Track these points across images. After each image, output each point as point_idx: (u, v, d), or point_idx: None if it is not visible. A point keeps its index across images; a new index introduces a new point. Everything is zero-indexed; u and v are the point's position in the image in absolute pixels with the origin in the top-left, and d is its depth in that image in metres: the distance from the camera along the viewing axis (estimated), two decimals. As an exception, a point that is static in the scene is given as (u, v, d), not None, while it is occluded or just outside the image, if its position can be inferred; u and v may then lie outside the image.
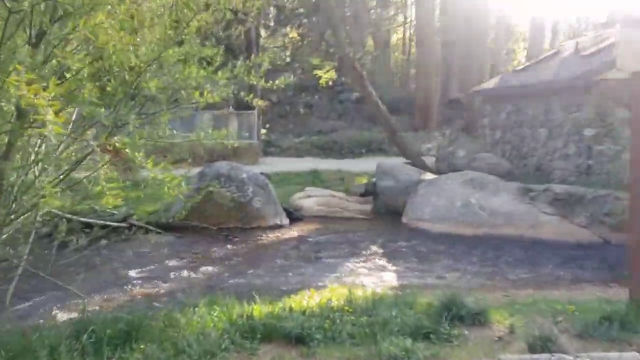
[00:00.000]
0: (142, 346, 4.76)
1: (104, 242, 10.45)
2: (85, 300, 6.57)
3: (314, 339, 4.85)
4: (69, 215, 12.08)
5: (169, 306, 6.87)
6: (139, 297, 7.71)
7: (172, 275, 8.58)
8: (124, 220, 11.54)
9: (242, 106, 20.92)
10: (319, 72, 24.97)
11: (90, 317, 5.41)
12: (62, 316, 6.58)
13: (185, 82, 4.45)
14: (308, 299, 7.22)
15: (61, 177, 5.31)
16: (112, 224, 11.63)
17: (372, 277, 8.76)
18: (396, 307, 6.20)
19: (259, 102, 4.91)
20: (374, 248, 10.65)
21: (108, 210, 11.88)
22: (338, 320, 5.42)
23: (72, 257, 7.14)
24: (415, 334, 5.21)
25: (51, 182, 5.38)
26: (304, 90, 29.51)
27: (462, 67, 26.20)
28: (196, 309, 5.63)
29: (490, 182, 12.88)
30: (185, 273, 8.71)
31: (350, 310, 5.89)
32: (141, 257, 9.51)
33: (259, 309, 5.78)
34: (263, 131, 23.40)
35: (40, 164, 5.59)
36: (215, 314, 5.54)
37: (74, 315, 6.49)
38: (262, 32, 27.33)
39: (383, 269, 9.23)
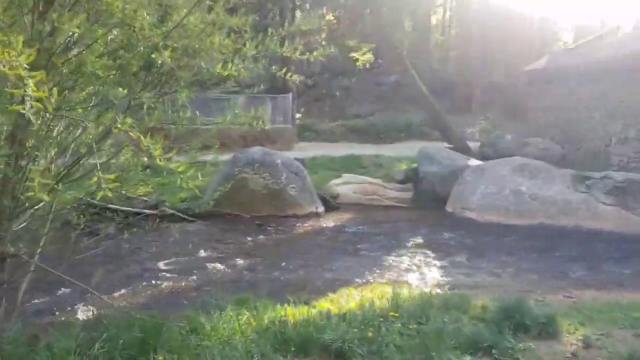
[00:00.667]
0: (160, 357, 4.17)
1: (133, 230, 9.99)
2: (103, 298, 6.03)
3: (356, 354, 4.17)
4: (96, 202, 11.65)
5: (196, 303, 6.33)
6: (166, 291, 7.17)
7: (201, 267, 8.02)
8: (154, 207, 11.09)
9: (277, 90, 20.31)
10: (355, 55, 24.07)
11: (106, 318, 4.84)
12: (79, 314, 6.07)
13: (207, 53, 3.78)
14: (347, 299, 6.55)
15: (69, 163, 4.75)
16: (142, 211, 11.20)
17: (417, 273, 8.02)
18: (447, 311, 5.48)
19: (293, 77, 4.21)
20: (417, 240, 9.89)
21: (139, 197, 11.31)
22: (383, 329, 4.74)
23: (97, 248, 6.64)
24: (474, 348, 4.49)
25: (64, 170, 4.85)
26: (340, 73, 28.66)
27: (505, 48, 24.94)
28: (223, 312, 5.01)
29: (543, 169, 11.93)
30: (215, 265, 8.14)
31: (396, 315, 5.18)
32: (171, 247, 8.99)
33: (293, 313, 5.13)
34: (298, 115, 22.76)
35: (54, 149, 5.05)
36: (243, 319, 4.91)
37: (93, 312, 5.99)
38: (297, 14, 26.57)
39: (428, 263, 8.48)
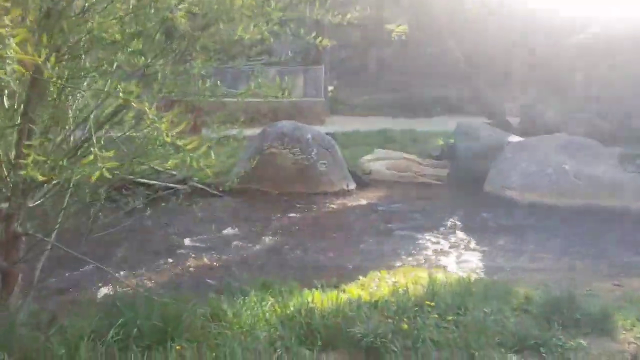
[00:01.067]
0: (178, 347, 3.88)
1: (160, 205, 9.79)
2: (121, 279, 5.79)
3: (389, 350, 3.79)
4: (123, 175, 11.44)
5: (220, 285, 6.06)
6: (190, 270, 6.93)
7: (227, 245, 7.75)
8: (183, 182, 10.84)
9: (310, 62, 19.77)
10: (391, 26, 23.27)
11: (124, 301, 4.57)
12: (98, 294, 5.84)
13: (228, 15, 3.37)
14: (379, 284, 6.17)
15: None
16: (169, 185, 10.99)
17: (453, 256, 7.59)
18: (487, 301, 5.05)
19: (324, 42, 3.77)
20: (453, 220, 9.42)
21: (167, 170, 10.98)
22: (419, 321, 4.35)
23: (121, 224, 6.40)
24: (519, 344, 4.07)
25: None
26: (375, 46, 27.85)
27: (549, 17, 23.73)
28: (246, 298, 4.70)
29: (588, 147, 11.24)
30: (241, 244, 7.86)
31: (432, 305, 4.78)
32: (197, 224, 8.73)
33: (320, 300, 4.77)
34: (330, 88, 22.21)
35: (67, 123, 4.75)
36: (267, 305, 4.59)
37: (111, 293, 5.76)
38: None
39: (465, 246, 8.02)
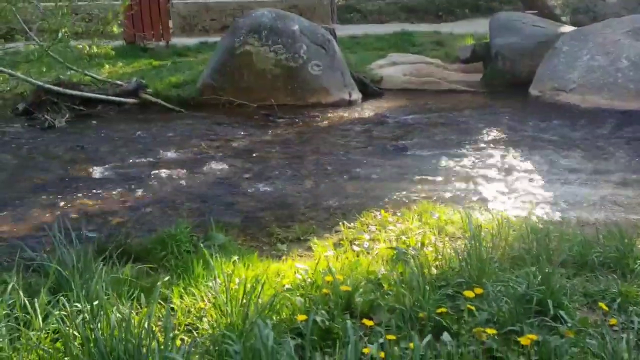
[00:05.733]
0: None
1: (93, 122, 7.33)
2: None
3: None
4: (56, 89, 8.75)
5: (104, 235, 3.68)
6: (76, 210, 4.45)
7: (155, 176, 5.26)
8: (134, 94, 8.33)
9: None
10: None
11: None
12: None
13: None
14: (378, 228, 3.70)
15: None
16: (112, 98, 8.47)
17: (494, 185, 4.99)
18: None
19: None
20: (492, 134, 6.75)
21: (109, 80, 8.25)
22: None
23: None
24: None
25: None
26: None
27: None
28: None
29: (675, 31, 8.26)
30: (179, 173, 5.36)
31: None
32: (128, 146, 6.26)
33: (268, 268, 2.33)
34: (340, -8, 19.01)
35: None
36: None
37: None
38: None
39: (511, 170, 5.40)
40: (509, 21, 10.17)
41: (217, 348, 1.95)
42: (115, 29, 8.00)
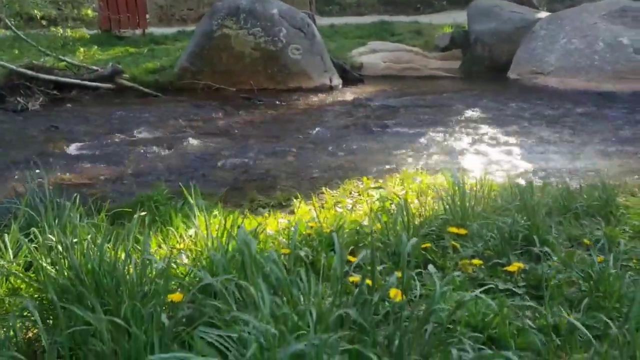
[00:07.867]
0: None
1: (68, 105, 7.17)
2: None
3: None
4: (30, 72, 8.63)
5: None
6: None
7: (130, 152, 5.17)
8: (110, 79, 8.20)
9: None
10: None
11: None
12: None
13: None
14: (359, 196, 3.65)
15: None
16: (89, 83, 8.32)
17: (476, 157, 5.00)
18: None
19: None
20: (473, 114, 6.77)
21: (84, 65, 8.11)
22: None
23: None
24: None
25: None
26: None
27: None
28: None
29: (650, 15, 8.39)
30: (154, 150, 5.27)
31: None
32: (102, 128, 6.14)
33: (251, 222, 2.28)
34: (319, -15, 18.95)
35: None
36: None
37: None
38: None
39: (492, 144, 5.41)
40: (487, 7, 10.24)
41: (199, 262, 1.92)
42: (90, 12, 7.86)
